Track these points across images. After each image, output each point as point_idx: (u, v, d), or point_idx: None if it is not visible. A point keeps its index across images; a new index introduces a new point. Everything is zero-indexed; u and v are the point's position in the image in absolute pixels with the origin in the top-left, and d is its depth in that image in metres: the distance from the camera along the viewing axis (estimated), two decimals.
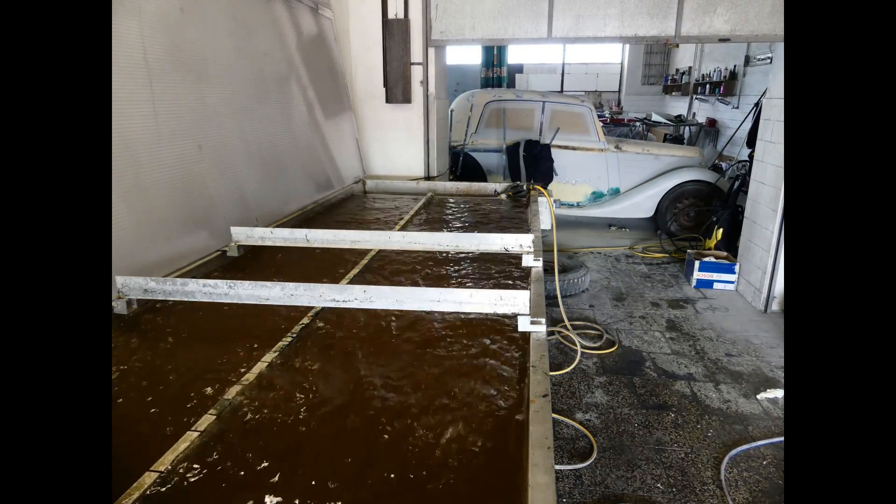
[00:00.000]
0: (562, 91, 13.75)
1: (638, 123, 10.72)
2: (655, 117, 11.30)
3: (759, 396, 3.04)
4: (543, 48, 13.77)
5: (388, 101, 4.60)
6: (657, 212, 6.08)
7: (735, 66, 8.85)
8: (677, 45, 11.90)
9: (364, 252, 2.50)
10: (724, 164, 7.52)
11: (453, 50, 8.98)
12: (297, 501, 1.04)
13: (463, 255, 2.51)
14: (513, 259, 2.39)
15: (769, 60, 7.07)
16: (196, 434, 1.19)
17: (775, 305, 4.15)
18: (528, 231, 2.80)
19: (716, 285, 4.64)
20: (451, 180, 5.56)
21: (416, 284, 2.16)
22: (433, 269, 2.35)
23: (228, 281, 1.79)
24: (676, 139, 9.57)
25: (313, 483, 1.09)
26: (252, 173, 2.91)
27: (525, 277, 2.19)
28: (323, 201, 3.56)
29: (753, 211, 4.39)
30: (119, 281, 1.81)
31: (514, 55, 13.01)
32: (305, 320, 1.79)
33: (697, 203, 5.99)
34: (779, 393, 3.06)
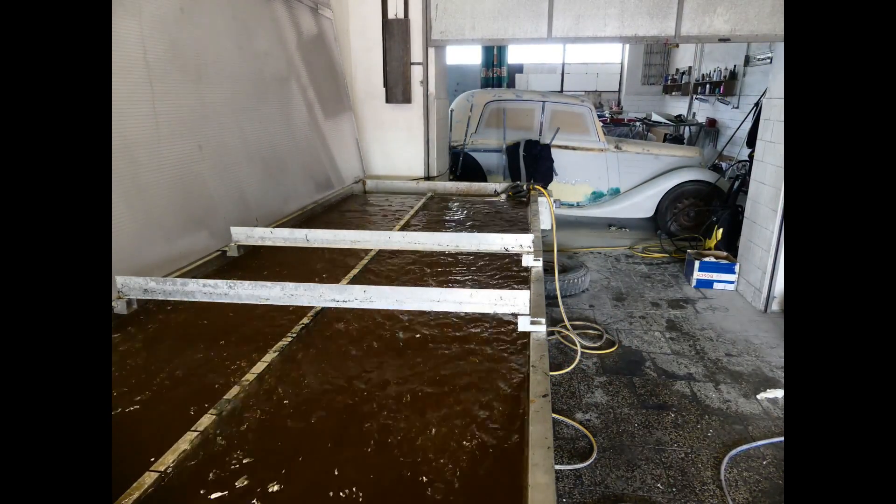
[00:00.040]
0: (562, 91, 13.74)
1: (638, 123, 10.71)
2: (655, 117, 11.30)
3: (759, 396, 3.04)
4: (543, 48, 13.77)
5: (388, 101, 4.60)
6: (657, 212, 6.08)
7: (735, 66, 8.85)
8: (677, 45, 11.90)
9: (364, 252, 2.50)
10: (724, 164, 7.52)
11: (453, 50, 8.98)
12: (297, 501, 1.04)
13: (463, 255, 2.51)
14: (513, 259, 2.39)
15: (769, 60, 7.07)
16: (196, 434, 1.19)
17: (775, 305, 4.15)
18: (528, 231, 2.80)
19: (716, 285, 4.63)
20: (451, 180, 5.56)
21: (416, 284, 2.16)
22: (433, 269, 2.35)
23: (228, 281, 1.79)
24: (676, 139, 9.57)
25: (313, 483, 1.09)
26: (252, 173, 2.91)
27: (525, 277, 2.19)
28: (323, 201, 3.56)
29: (753, 211, 4.39)
30: (119, 281, 1.81)
31: (514, 55, 13.01)
32: (305, 320, 1.79)
33: (697, 203, 5.99)
34: (779, 393, 3.06)
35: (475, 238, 2.40)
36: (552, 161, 5.98)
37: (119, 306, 1.82)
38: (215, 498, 1.04)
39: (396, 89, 4.54)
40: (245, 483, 1.08)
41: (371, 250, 2.50)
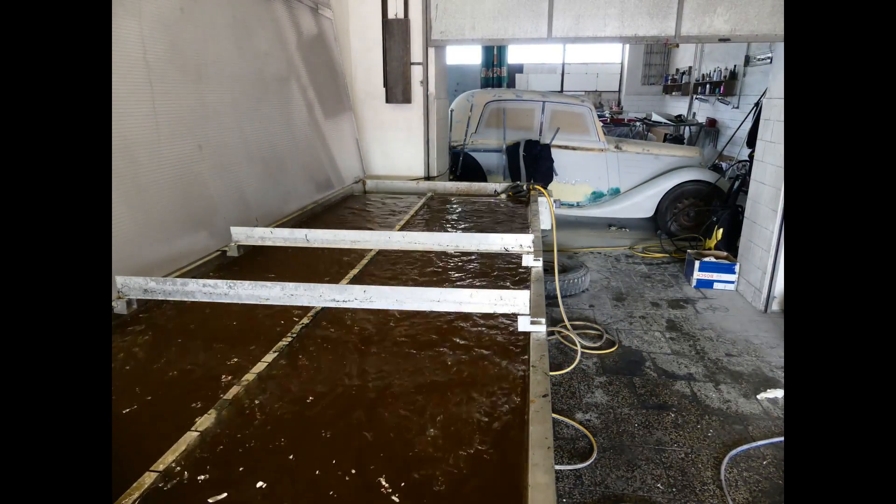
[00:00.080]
0: (562, 91, 13.74)
1: (638, 123, 10.71)
2: (655, 117, 11.30)
3: (759, 396, 3.04)
4: (543, 48, 13.77)
5: (388, 101, 4.60)
6: (657, 212, 6.08)
7: (735, 66, 8.85)
8: (677, 45, 11.90)
9: (364, 252, 2.50)
10: (724, 164, 7.52)
11: (453, 50, 8.97)
12: (297, 501, 1.04)
13: (463, 255, 2.51)
14: (513, 259, 2.39)
15: (769, 60, 7.07)
16: (196, 434, 1.19)
17: (775, 305, 4.15)
18: (528, 231, 2.80)
19: (716, 285, 4.63)
20: (451, 180, 5.56)
21: (416, 284, 2.16)
22: (433, 269, 2.35)
23: (228, 281, 1.79)
24: (676, 139, 9.57)
25: (313, 483, 1.09)
26: (252, 173, 2.91)
27: (525, 277, 2.19)
28: (323, 201, 3.56)
29: (753, 211, 4.39)
30: (119, 281, 1.81)
31: (514, 55, 13.01)
32: (305, 320, 1.79)
33: (697, 203, 5.99)
34: (779, 393, 3.06)
35: (475, 238, 2.40)
36: (552, 161, 5.98)
37: (119, 306, 1.82)
38: (215, 498, 1.04)
39: (396, 89, 4.54)
40: (245, 483, 1.08)
41: (371, 250, 2.50)
